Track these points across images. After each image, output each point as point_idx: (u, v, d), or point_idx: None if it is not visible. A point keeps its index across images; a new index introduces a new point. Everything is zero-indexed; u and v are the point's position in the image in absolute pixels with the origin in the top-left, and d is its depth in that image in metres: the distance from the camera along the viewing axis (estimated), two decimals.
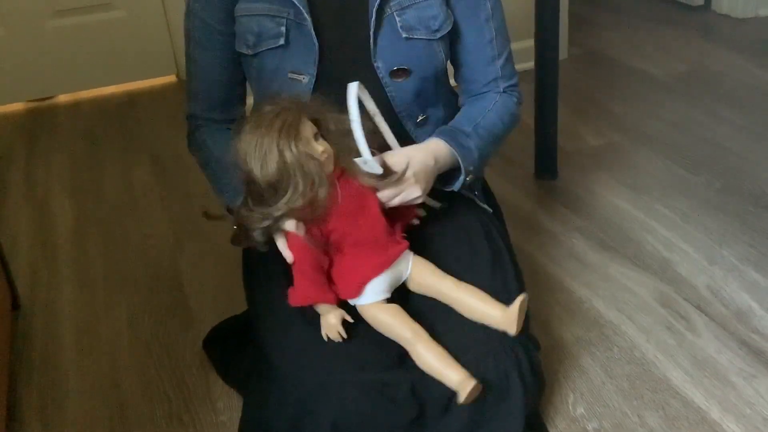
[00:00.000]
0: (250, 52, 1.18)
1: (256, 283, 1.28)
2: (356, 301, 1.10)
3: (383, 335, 1.11)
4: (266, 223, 1.02)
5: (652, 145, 2.23)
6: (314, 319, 1.13)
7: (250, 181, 1.01)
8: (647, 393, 1.38)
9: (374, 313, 1.10)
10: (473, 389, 1.06)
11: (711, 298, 1.61)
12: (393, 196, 1.08)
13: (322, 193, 1.00)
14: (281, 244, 1.07)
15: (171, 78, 2.95)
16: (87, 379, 1.51)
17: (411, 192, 1.09)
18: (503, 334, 1.13)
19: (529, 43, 2.02)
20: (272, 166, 0.98)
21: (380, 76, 1.17)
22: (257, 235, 1.04)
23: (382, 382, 1.10)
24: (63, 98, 2.86)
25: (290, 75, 1.16)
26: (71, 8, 2.73)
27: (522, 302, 1.09)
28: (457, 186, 1.19)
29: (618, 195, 2.00)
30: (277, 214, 1.01)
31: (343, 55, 1.17)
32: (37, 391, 1.49)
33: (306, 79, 1.15)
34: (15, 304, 1.71)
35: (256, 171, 0.99)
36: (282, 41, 1.15)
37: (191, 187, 2.17)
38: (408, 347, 1.10)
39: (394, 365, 1.11)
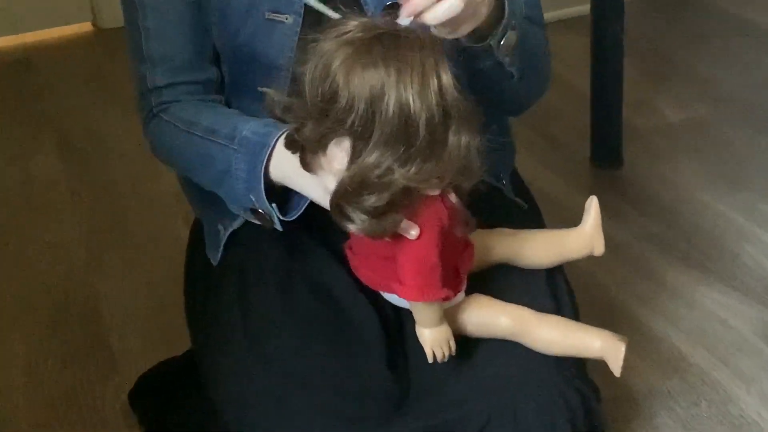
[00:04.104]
0: None
1: (203, 312, 1.29)
2: (455, 300, 1.12)
3: (372, 378, 1.12)
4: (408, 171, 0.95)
5: (755, 122, 2.23)
6: (281, 362, 1.14)
7: (368, 124, 0.95)
8: None
9: (459, 314, 1.13)
10: (626, 351, 1.10)
11: None
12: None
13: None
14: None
15: (85, 26, 2.96)
16: None
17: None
18: (552, 374, 1.14)
19: None
20: (433, 95, 0.94)
21: (368, 14, 1.18)
22: (376, 199, 0.97)
23: None
24: None
25: (268, 15, 1.16)
26: None
27: (596, 209, 1.16)
28: (496, 38, 1.11)
29: (707, 190, 2.01)
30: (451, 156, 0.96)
31: None
32: None
33: (290, 20, 1.16)
34: None
35: (411, 99, 0.93)
36: None
37: (112, 179, 2.18)
38: (516, 338, 1.13)
39: (390, 416, 1.12)
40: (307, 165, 1.02)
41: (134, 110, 1.29)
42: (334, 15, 1.02)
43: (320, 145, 0.99)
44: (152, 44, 1.22)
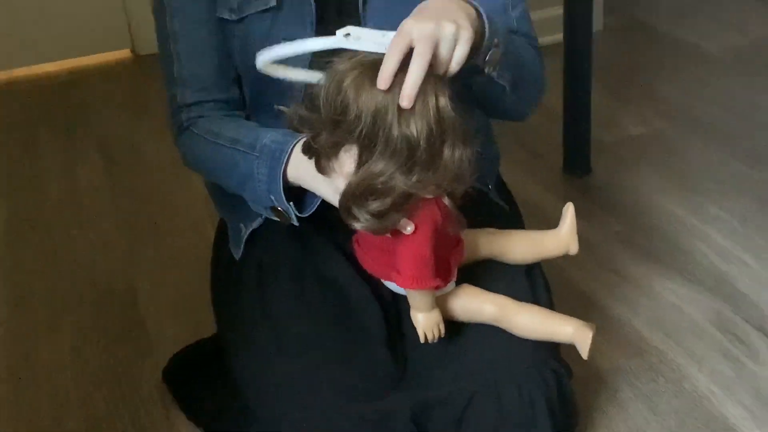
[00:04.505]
0: (233, 16, 1.17)
1: (226, 300, 1.29)
2: (446, 289, 1.12)
3: (374, 359, 1.13)
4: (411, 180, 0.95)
5: (706, 135, 2.23)
6: (294, 345, 1.14)
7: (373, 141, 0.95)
8: None
9: (449, 301, 1.13)
10: (593, 337, 1.11)
11: None
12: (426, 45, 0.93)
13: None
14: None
15: (124, 53, 2.95)
16: (23, 416, 1.51)
17: (443, 29, 0.94)
18: (530, 356, 1.15)
19: (558, 11, 2.02)
20: (432, 117, 0.94)
21: None
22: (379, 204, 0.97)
23: (377, 413, 1.11)
24: None
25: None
26: None
27: (572, 214, 1.16)
28: (480, 57, 1.05)
29: (664, 195, 2.00)
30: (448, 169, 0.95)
31: (339, 21, 1.17)
32: None
33: None
34: None
35: (417, 128, 0.93)
36: (273, 2, 1.16)
37: (148, 185, 2.17)
38: (498, 323, 1.13)
39: (389, 392, 1.12)
40: (321, 168, 1.02)
41: (166, 125, 1.29)
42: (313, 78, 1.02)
43: (332, 151, 0.99)
44: (183, 68, 1.22)
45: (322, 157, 1.01)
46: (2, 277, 1.88)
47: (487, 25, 1.04)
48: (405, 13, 1.16)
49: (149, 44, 1.26)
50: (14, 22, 2.79)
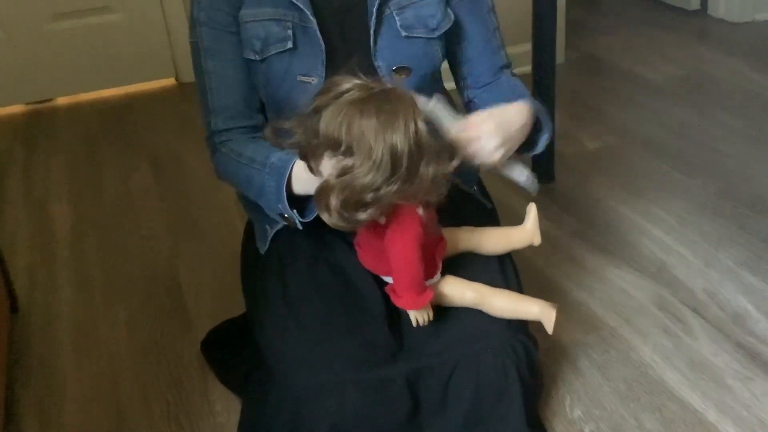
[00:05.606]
0: (257, 57, 1.18)
1: (253, 285, 1.28)
2: (433, 280, 1.12)
3: (375, 334, 1.13)
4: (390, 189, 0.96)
5: (649, 149, 2.23)
6: (309, 322, 1.14)
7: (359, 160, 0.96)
8: (644, 395, 1.39)
9: (436, 290, 1.12)
10: (556, 315, 1.13)
11: (707, 301, 1.61)
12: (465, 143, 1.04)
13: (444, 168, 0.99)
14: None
15: (170, 81, 2.95)
16: (85, 381, 1.51)
17: (488, 141, 1.05)
18: (503, 331, 1.15)
19: (527, 47, 2.02)
20: (409, 136, 0.95)
21: (381, 75, 1.18)
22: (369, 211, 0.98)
23: (377, 379, 1.11)
24: (62, 101, 2.86)
25: (300, 78, 1.17)
26: (70, 11, 2.73)
27: (534, 212, 1.19)
28: (540, 146, 1.19)
29: (615, 198, 2.00)
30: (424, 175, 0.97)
31: (347, 56, 1.18)
32: (35, 393, 1.49)
33: (315, 81, 1.16)
34: (13, 307, 1.70)
35: (397, 141, 0.94)
36: (290, 44, 1.16)
37: (189, 190, 2.17)
38: (478, 306, 1.13)
39: (388, 361, 1.12)
40: (311, 169, 1.02)
41: (203, 141, 1.29)
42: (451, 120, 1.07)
43: (318, 157, 1.00)
44: (215, 99, 1.22)
45: (311, 159, 1.02)
46: (68, 266, 1.88)
47: (546, 131, 1.18)
48: (407, 49, 1.18)
49: (190, 74, 1.26)
50: (79, 55, 2.79)
